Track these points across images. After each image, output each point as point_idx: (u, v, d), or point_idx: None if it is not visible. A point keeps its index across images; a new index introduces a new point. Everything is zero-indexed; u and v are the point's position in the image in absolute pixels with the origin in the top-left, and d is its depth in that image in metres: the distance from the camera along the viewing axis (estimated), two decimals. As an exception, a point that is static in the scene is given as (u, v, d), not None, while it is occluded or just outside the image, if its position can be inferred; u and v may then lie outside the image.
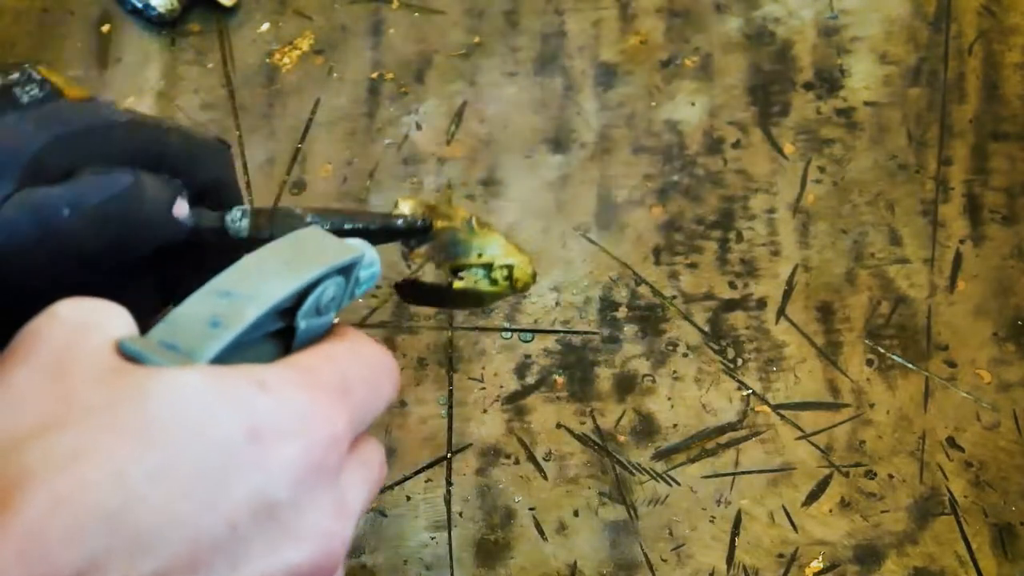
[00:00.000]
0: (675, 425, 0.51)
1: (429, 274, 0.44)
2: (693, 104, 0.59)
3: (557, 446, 0.51)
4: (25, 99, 0.38)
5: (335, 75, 0.60)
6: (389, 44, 0.61)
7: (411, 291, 0.44)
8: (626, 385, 0.52)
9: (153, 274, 0.40)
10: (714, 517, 0.50)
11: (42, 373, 0.29)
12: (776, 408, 0.52)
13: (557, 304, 0.54)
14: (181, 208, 0.38)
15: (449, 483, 0.51)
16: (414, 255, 0.43)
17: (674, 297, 0.54)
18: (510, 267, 0.42)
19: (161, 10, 0.61)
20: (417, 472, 0.51)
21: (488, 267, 0.42)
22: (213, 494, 0.28)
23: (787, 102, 0.59)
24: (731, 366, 0.53)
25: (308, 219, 0.40)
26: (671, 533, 0.49)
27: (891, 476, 0.50)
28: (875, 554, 0.49)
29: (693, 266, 0.55)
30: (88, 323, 0.31)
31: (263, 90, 0.60)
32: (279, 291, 0.33)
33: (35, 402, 0.28)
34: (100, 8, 0.62)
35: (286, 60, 0.61)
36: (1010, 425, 0.51)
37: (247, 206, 0.41)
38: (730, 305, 0.54)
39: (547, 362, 0.53)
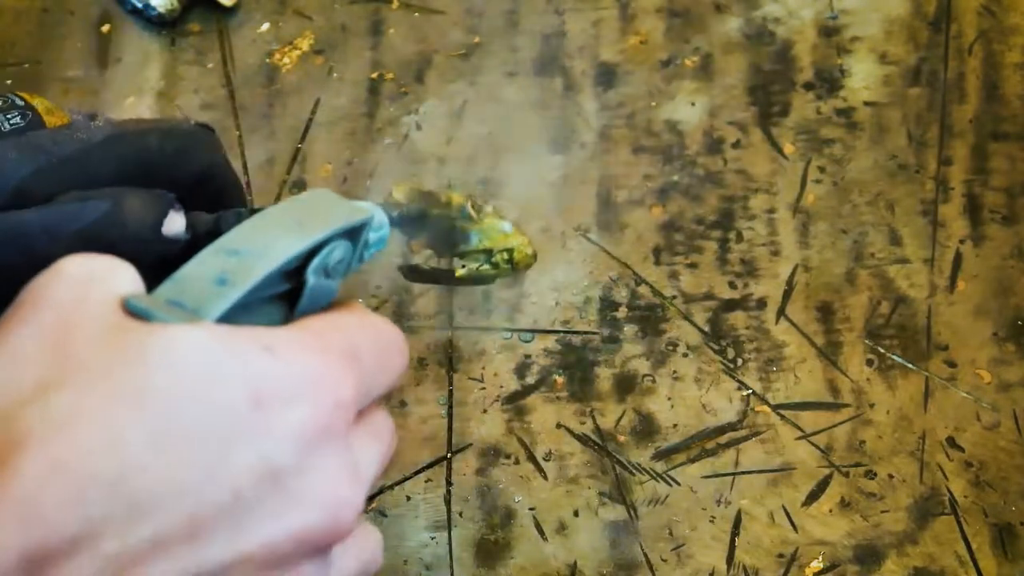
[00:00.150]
0: (675, 425, 0.51)
1: (431, 261, 0.44)
2: (693, 104, 0.59)
3: (557, 446, 0.51)
4: (6, 127, 0.38)
5: (335, 75, 0.60)
6: (389, 44, 0.61)
7: (415, 274, 0.44)
8: (626, 385, 0.52)
9: (149, 287, 0.40)
10: (714, 517, 0.50)
11: (44, 331, 0.29)
12: (776, 408, 0.52)
13: (557, 304, 0.54)
14: (173, 224, 0.37)
15: (449, 483, 0.51)
16: (414, 244, 0.43)
17: (674, 297, 0.54)
18: (510, 250, 0.42)
19: (161, 10, 0.61)
20: (417, 472, 0.51)
21: (489, 252, 0.42)
22: (215, 459, 0.28)
23: (787, 102, 0.59)
24: (731, 366, 0.53)
25: None
26: (671, 533, 0.49)
27: (891, 476, 0.50)
28: (875, 554, 0.49)
29: (693, 266, 0.55)
30: (94, 279, 0.30)
31: (263, 90, 0.60)
32: (288, 249, 0.32)
33: (36, 361, 0.28)
34: (100, 8, 0.62)
35: (286, 60, 0.61)
36: (1010, 425, 0.51)
37: (243, 209, 0.40)
38: (730, 305, 0.54)
39: (547, 362, 0.53)
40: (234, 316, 0.31)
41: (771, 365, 0.53)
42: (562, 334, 0.54)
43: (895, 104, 0.59)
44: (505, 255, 0.42)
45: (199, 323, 0.30)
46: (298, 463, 0.29)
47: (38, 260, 0.32)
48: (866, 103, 0.59)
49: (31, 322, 0.29)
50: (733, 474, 0.50)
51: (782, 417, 0.52)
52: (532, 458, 0.51)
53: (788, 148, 0.58)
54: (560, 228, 0.56)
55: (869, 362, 0.53)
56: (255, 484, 0.29)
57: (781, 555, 0.49)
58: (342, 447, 0.31)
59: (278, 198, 0.57)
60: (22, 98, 0.39)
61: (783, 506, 0.50)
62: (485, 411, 0.52)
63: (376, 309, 0.54)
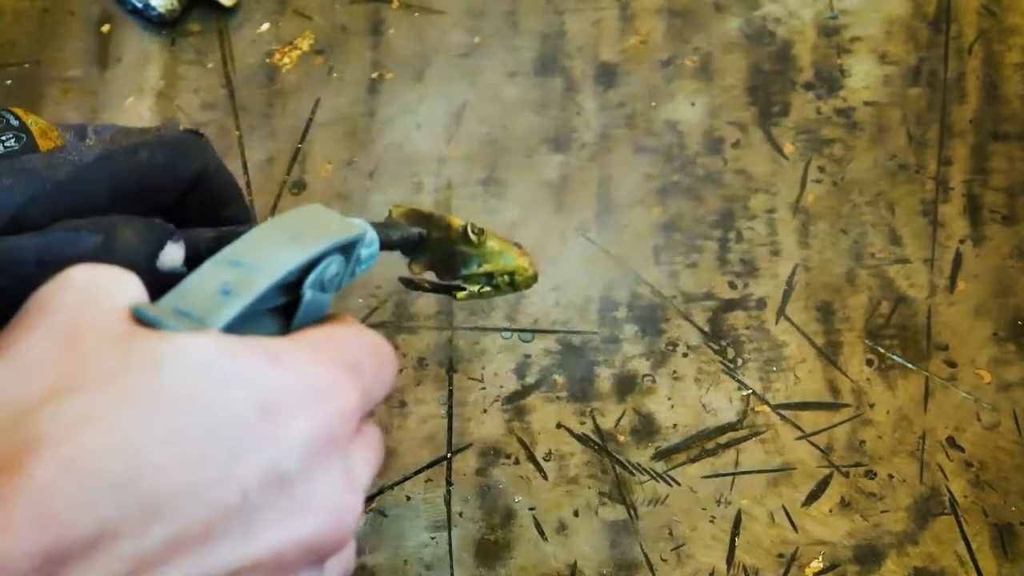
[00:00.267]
0: (675, 425, 0.51)
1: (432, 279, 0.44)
2: (693, 104, 0.59)
3: (557, 446, 0.51)
4: (1, 149, 0.38)
5: (335, 75, 0.60)
6: (389, 44, 0.61)
7: (415, 286, 0.44)
8: (626, 385, 0.52)
9: None
10: (714, 517, 0.50)
11: (53, 337, 0.29)
12: (776, 408, 0.52)
13: (557, 304, 0.54)
14: (170, 255, 0.37)
15: (449, 483, 0.51)
16: (414, 267, 0.43)
17: (674, 297, 0.54)
18: (511, 273, 0.42)
19: (161, 10, 0.61)
20: (417, 472, 0.51)
21: (490, 275, 0.42)
22: (225, 463, 0.28)
23: (787, 102, 0.59)
24: (731, 366, 0.53)
25: None
26: (671, 533, 0.49)
27: (891, 476, 0.50)
28: (875, 554, 0.49)
29: (693, 266, 0.55)
30: (101, 288, 0.31)
31: (263, 90, 0.60)
32: (288, 262, 0.33)
33: (46, 366, 0.28)
34: (100, 8, 0.62)
35: (286, 60, 0.61)
36: (1010, 425, 0.51)
37: (242, 227, 0.41)
38: (730, 305, 0.54)
39: (547, 362, 0.53)
40: (236, 327, 0.31)
41: (771, 365, 0.53)
42: (562, 334, 0.54)
43: (895, 104, 0.59)
44: (506, 278, 0.42)
45: (207, 332, 0.30)
46: (305, 470, 0.30)
47: (29, 288, 0.32)
48: (866, 103, 0.59)
49: (40, 328, 0.29)
50: (733, 474, 0.50)
51: (782, 417, 0.52)
52: (532, 458, 0.51)
53: (788, 148, 0.58)
54: (560, 228, 0.56)
55: (869, 362, 0.53)
56: (263, 488, 0.29)
57: (781, 555, 0.49)
58: (344, 455, 0.32)
59: (278, 198, 0.57)
60: (17, 116, 0.39)
61: (783, 506, 0.50)
62: (485, 411, 0.52)
63: (376, 309, 0.54)
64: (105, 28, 0.62)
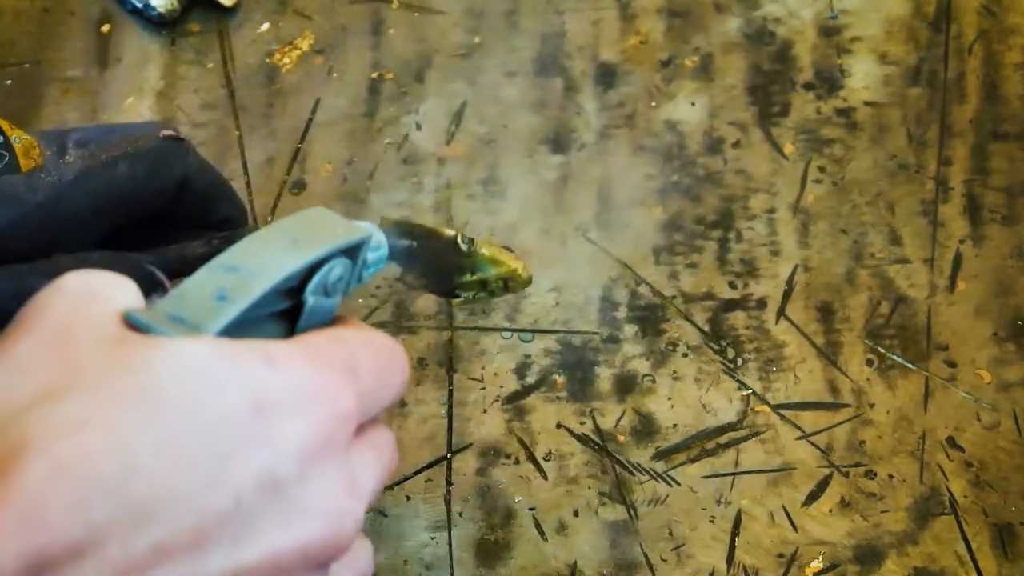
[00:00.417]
0: (675, 425, 0.51)
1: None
2: (693, 104, 0.59)
3: (557, 446, 0.51)
4: None
5: (335, 75, 0.60)
6: (389, 44, 0.61)
7: (414, 287, 0.44)
8: (626, 385, 0.52)
9: None
10: (714, 517, 0.50)
11: (46, 342, 0.29)
12: (776, 408, 0.52)
13: (557, 304, 0.54)
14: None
15: (449, 483, 0.51)
16: (407, 278, 0.43)
17: (674, 297, 0.54)
18: (505, 279, 0.42)
19: (161, 10, 0.61)
20: (417, 472, 0.51)
21: (484, 282, 0.42)
22: (218, 468, 0.28)
23: (787, 102, 0.59)
24: (731, 366, 0.53)
25: None
26: (671, 533, 0.49)
27: (891, 476, 0.50)
28: (875, 554, 0.49)
29: (693, 266, 0.55)
30: (94, 294, 0.31)
31: (263, 90, 0.60)
32: (286, 267, 0.33)
33: (38, 370, 0.28)
34: (100, 8, 0.62)
35: (286, 60, 0.61)
36: (1010, 425, 0.51)
37: (235, 231, 0.41)
38: (730, 305, 0.54)
39: (547, 362, 0.53)
40: (235, 332, 0.31)
41: (771, 365, 0.53)
42: (562, 334, 0.54)
43: (895, 104, 0.59)
44: (500, 283, 0.42)
45: (199, 337, 0.30)
46: (299, 474, 0.30)
47: (4, 321, 0.32)
48: (866, 103, 0.59)
49: (33, 332, 0.29)
50: (733, 474, 0.50)
51: (782, 417, 0.52)
52: (532, 458, 0.51)
53: (788, 148, 0.58)
54: (560, 228, 0.56)
55: (869, 362, 0.53)
56: (256, 493, 0.29)
57: (781, 555, 0.49)
58: (342, 459, 0.31)
59: (278, 198, 0.57)
60: (2, 131, 0.39)
61: (783, 506, 0.50)
62: (485, 411, 0.52)
63: (376, 309, 0.54)
64: (105, 28, 0.62)
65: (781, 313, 0.54)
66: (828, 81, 0.59)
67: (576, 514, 0.50)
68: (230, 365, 0.29)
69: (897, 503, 0.50)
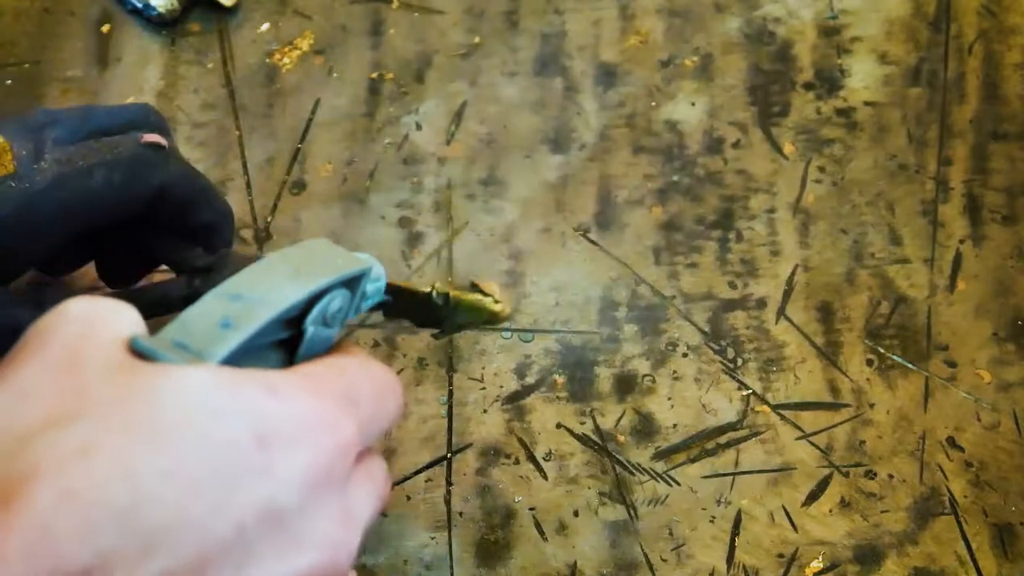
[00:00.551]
0: (675, 425, 0.51)
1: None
2: (693, 104, 0.59)
3: (557, 446, 0.51)
4: None
5: (335, 75, 0.60)
6: (389, 44, 0.61)
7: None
8: (626, 385, 0.52)
9: None
10: (714, 517, 0.50)
11: (52, 368, 0.29)
12: (776, 408, 0.52)
13: (557, 304, 0.54)
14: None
15: (449, 483, 0.51)
16: (390, 321, 0.43)
17: (674, 297, 0.54)
18: (486, 320, 0.42)
19: (161, 10, 0.61)
20: (417, 472, 0.51)
21: (464, 325, 0.42)
22: (221, 496, 0.28)
23: (787, 102, 0.59)
24: (731, 366, 0.53)
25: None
26: (671, 533, 0.49)
27: (891, 476, 0.50)
28: (875, 554, 0.49)
29: (693, 266, 0.55)
30: (99, 320, 0.31)
31: (263, 90, 0.60)
32: (289, 296, 0.33)
33: (44, 397, 0.28)
34: (100, 8, 0.62)
35: (286, 60, 0.61)
36: (1010, 425, 0.51)
37: (225, 249, 0.41)
38: (730, 305, 0.54)
39: (547, 362, 0.53)
40: (236, 360, 0.31)
41: (771, 365, 0.53)
42: (562, 334, 0.54)
43: (895, 104, 0.59)
44: (481, 323, 0.42)
45: (204, 365, 0.30)
46: (300, 504, 0.30)
47: None
48: (866, 103, 0.59)
49: (38, 358, 0.29)
50: (733, 474, 0.50)
51: (782, 417, 0.52)
52: (532, 458, 0.51)
53: (788, 148, 0.58)
54: (560, 228, 0.56)
55: (869, 362, 0.53)
56: (258, 522, 0.29)
57: (781, 555, 0.49)
58: (342, 490, 0.31)
59: (278, 198, 0.57)
60: None
61: (783, 506, 0.50)
62: (485, 411, 0.52)
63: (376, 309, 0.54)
64: (105, 28, 0.62)
65: (781, 313, 0.54)
66: (828, 81, 0.59)
67: (576, 514, 0.50)
68: (234, 394, 0.29)
69: (897, 503, 0.50)
